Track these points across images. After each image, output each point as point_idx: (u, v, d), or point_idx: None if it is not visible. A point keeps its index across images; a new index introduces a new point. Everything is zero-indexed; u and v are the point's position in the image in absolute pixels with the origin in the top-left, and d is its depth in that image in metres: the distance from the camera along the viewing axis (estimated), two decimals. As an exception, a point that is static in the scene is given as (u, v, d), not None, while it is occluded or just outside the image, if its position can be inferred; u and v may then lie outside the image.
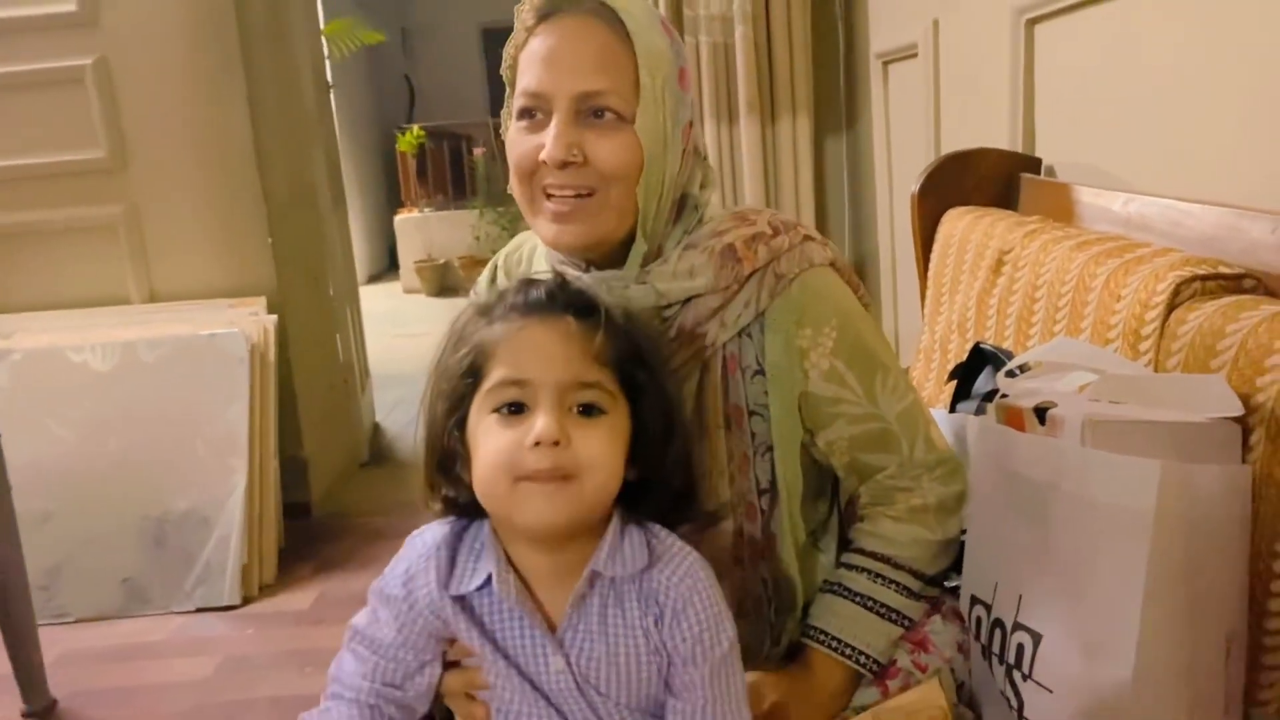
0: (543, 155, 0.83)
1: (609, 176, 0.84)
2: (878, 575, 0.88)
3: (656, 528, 0.76)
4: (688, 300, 0.88)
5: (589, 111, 0.83)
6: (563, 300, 0.74)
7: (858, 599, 0.88)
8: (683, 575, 0.73)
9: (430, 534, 0.78)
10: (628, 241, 0.88)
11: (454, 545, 0.76)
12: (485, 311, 0.76)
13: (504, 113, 0.90)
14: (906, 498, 0.90)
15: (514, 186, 0.88)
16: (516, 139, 0.86)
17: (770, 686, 0.85)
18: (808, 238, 0.91)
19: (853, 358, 0.89)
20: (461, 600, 0.75)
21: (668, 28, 0.88)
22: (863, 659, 0.86)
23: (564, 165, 0.83)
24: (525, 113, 0.85)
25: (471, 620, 0.75)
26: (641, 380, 0.74)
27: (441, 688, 0.79)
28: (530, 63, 0.84)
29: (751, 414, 0.90)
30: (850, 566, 0.90)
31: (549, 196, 0.86)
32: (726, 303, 0.88)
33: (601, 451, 0.70)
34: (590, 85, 0.83)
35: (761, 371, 0.89)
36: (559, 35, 0.84)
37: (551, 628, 0.74)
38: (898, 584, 0.89)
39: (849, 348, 0.89)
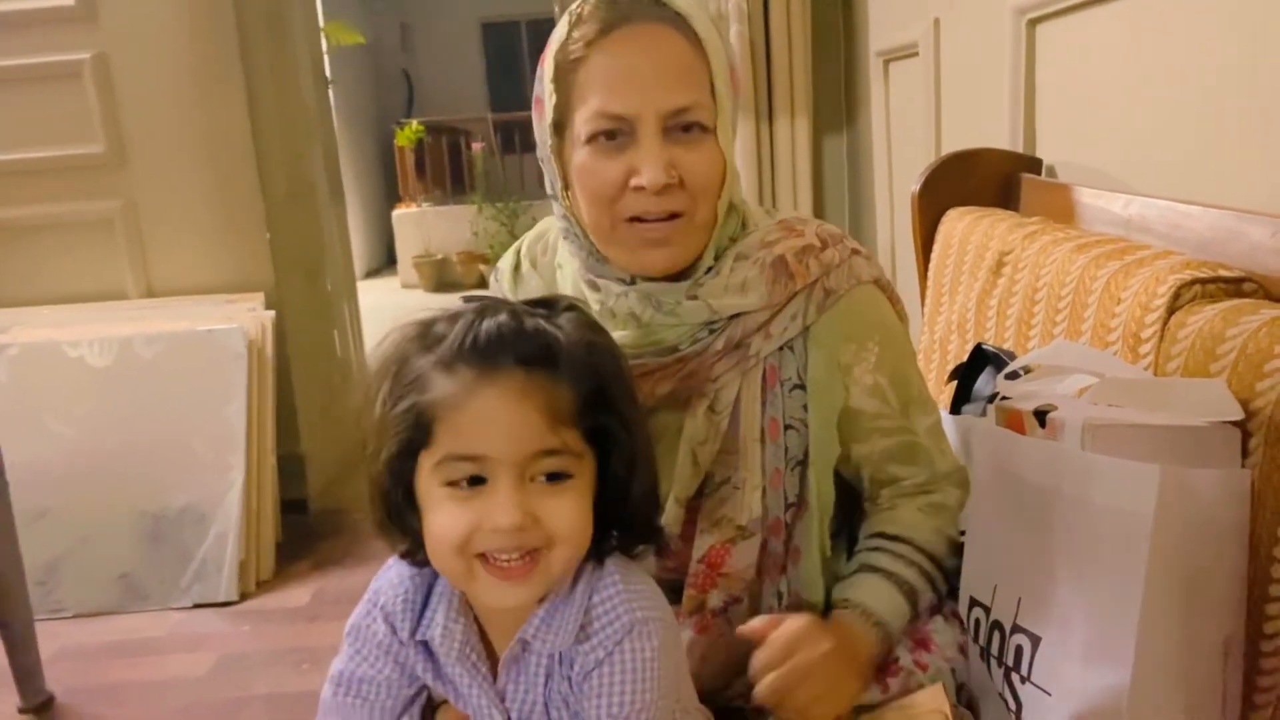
0: (639, 181, 0.78)
1: (700, 193, 0.81)
2: (899, 555, 0.89)
3: (609, 581, 0.70)
4: (736, 314, 0.86)
5: (677, 127, 0.80)
6: (515, 350, 0.64)
7: (881, 573, 0.88)
8: (602, 639, 0.68)
9: (397, 571, 0.74)
10: (700, 255, 0.86)
11: (428, 581, 0.73)
12: (427, 344, 0.66)
13: (544, 127, 0.84)
14: (928, 496, 0.92)
15: (588, 213, 0.83)
16: (594, 165, 0.80)
17: (824, 632, 0.81)
18: (855, 252, 0.90)
19: (894, 374, 0.90)
20: (425, 646, 0.73)
21: (717, 24, 0.86)
22: (885, 632, 0.86)
23: (664, 189, 0.79)
24: (603, 135, 0.80)
25: (433, 664, 0.73)
26: (608, 424, 0.67)
27: None
28: (602, 82, 0.79)
29: (787, 428, 0.89)
30: (873, 548, 0.91)
31: (636, 221, 0.81)
32: (774, 316, 0.87)
33: (571, 521, 0.65)
34: (680, 101, 0.79)
35: (801, 386, 0.88)
36: (635, 48, 0.78)
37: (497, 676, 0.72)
38: (919, 566, 0.89)
39: (891, 365, 0.89)
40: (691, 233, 0.83)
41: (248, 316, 2.53)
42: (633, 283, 0.86)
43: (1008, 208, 1.50)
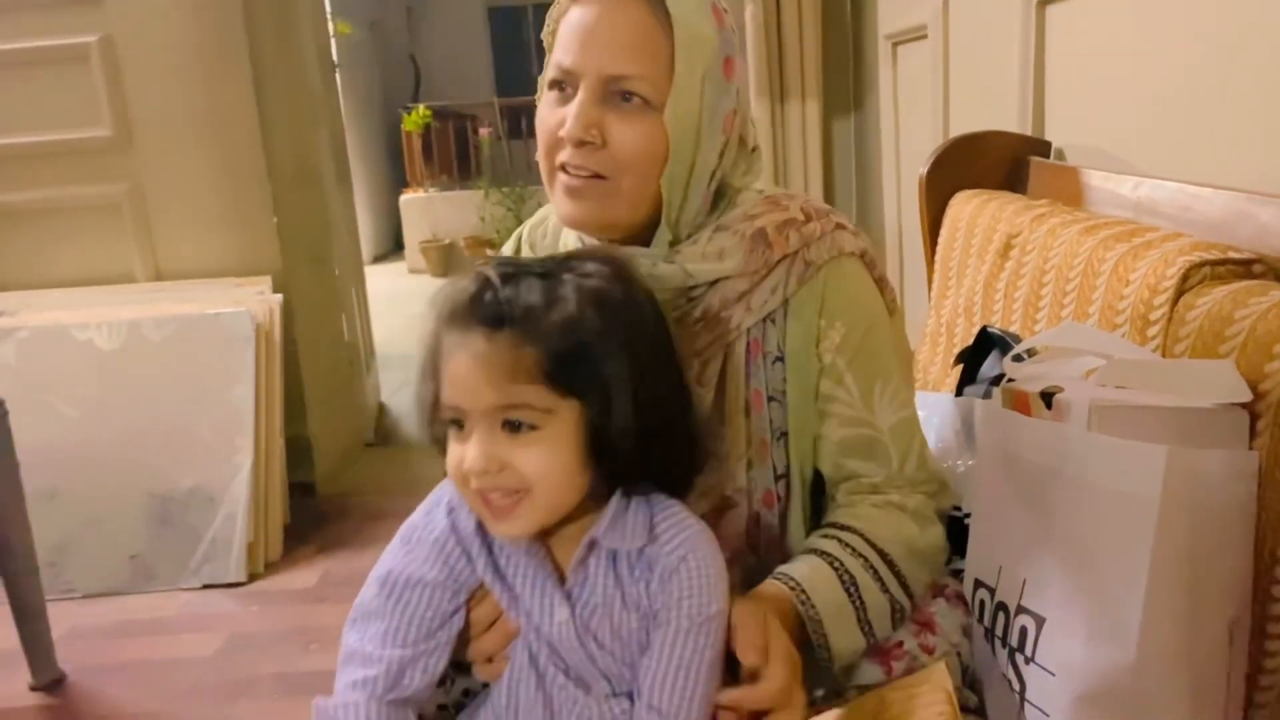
0: (561, 131, 0.82)
1: (624, 163, 0.82)
2: (846, 545, 0.85)
3: (665, 502, 0.75)
4: (715, 282, 0.86)
5: (616, 94, 0.81)
6: (478, 315, 0.69)
7: (820, 554, 0.84)
8: (678, 544, 0.73)
9: None
10: (650, 225, 0.86)
11: None
12: (440, 305, 0.73)
13: (541, 79, 0.88)
14: (885, 496, 0.89)
15: (540, 157, 0.87)
16: (544, 111, 0.85)
17: (765, 606, 0.79)
18: (840, 225, 0.89)
19: (855, 359, 0.88)
20: (489, 544, 0.77)
21: (719, 13, 0.85)
22: (812, 611, 0.80)
23: (581, 144, 0.81)
24: (555, 84, 0.84)
25: (492, 563, 0.76)
26: (585, 384, 0.69)
27: (472, 646, 0.78)
28: (567, 34, 0.83)
29: (771, 400, 0.89)
30: (822, 535, 0.87)
31: (566, 171, 0.84)
32: (754, 287, 0.87)
33: (541, 465, 0.70)
34: (619, 69, 0.81)
35: (781, 358, 0.88)
36: (598, 11, 0.82)
37: (563, 580, 0.75)
38: (865, 559, 0.84)
39: (854, 348, 0.87)
40: (609, 197, 0.84)
41: (255, 300, 2.54)
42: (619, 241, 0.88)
43: (1016, 190, 1.49)
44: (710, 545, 0.74)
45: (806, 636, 0.80)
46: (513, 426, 0.69)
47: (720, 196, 0.90)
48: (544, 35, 0.87)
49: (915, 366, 1.59)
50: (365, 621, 0.77)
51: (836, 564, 0.83)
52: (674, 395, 0.76)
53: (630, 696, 0.75)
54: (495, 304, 0.69)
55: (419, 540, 0.78)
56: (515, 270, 0.72)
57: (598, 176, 0.83)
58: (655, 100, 0.81)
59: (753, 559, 0.90)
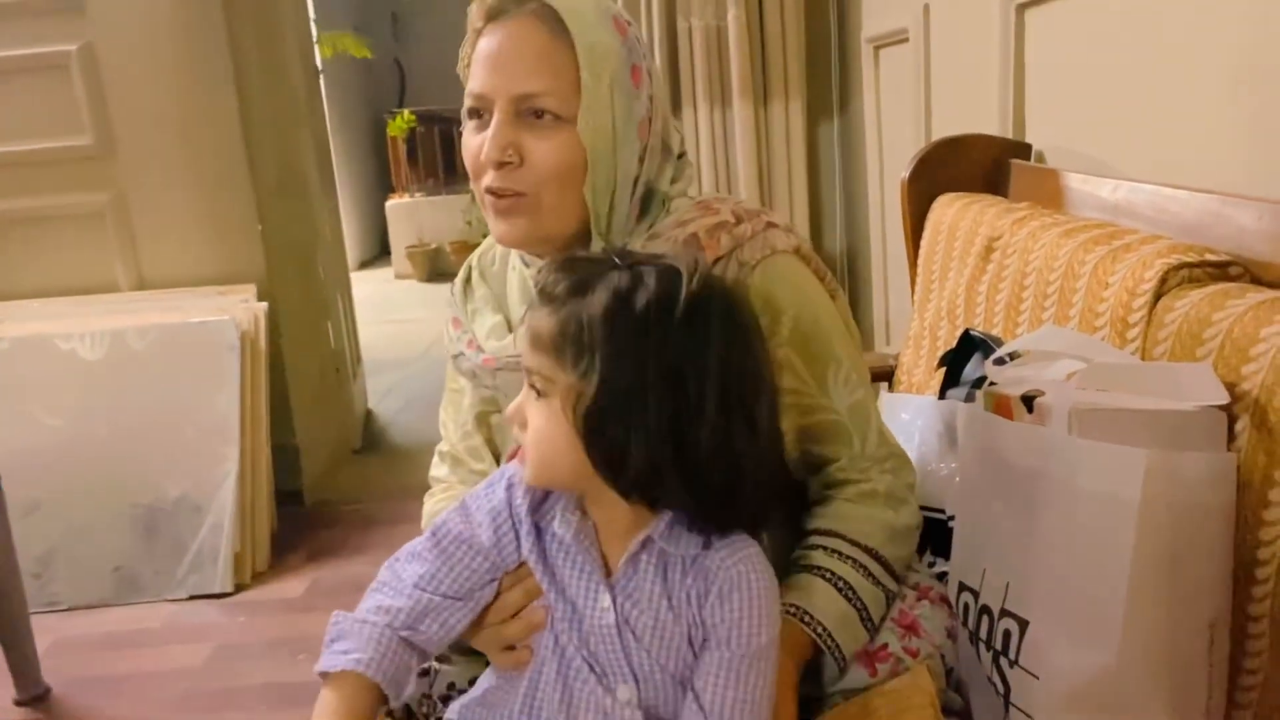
0: (480, 156, 0.86)
1: (543, 178, 0.85)
2: (832, 551, 0.87)
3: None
4: None
5: (528, 112, 0.85)
6: None
7: (814, 570, 0.86)
8: (738, 560, 0.74)
9: None
10: (582, 237, 0.89)
11: None
12: None
13: (463, 112, 0.91)
14: (856, 485, 0.91)
15: (471, 183, 0.90)
16: (466, 138, 0.89)
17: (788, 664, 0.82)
18: (770, 224, 0.92)
19: (806, 348, 0.90)
20: (538, 529, 0.78)
21: (621, 25, 0.88)
22: (819, 628, 0.83)
23: (500, 165, 0.85)
24: (472, 113, 0.88)
25: (539, 548, 0.78)
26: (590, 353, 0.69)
27: (492, 633, 0.80)
28: (476, 64, 0.87)
29: None
30: (806, 547, 0.89)
31: (490, 194, 0.88)
32: None
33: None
34: (526, 87, 0.84)
35: None
36: (501, 37, 0.86)
37: (609, 573, 0.76)
38: (853, 560, 0.86)
39: (803, 338, 0.89)
40: (537, 213, 0.87)
41: (240, 308, 2.53)
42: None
43: (997, 193, 1.50)
44: (766, 565, 0.75)
45: (816, 652, 0.84)
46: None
47: (651, 204, 0.92)
48: (459, 69, 0.92)
49: (899, 369, 1.59)
50: (408, 561, 0.80)
51: (828, 574, 0.86)
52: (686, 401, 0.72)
53: (649, 711, 0.75)
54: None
55: (477, 507, 0.80)
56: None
57: (519, 195, 0.86)
58: (566, 114, 0.85)
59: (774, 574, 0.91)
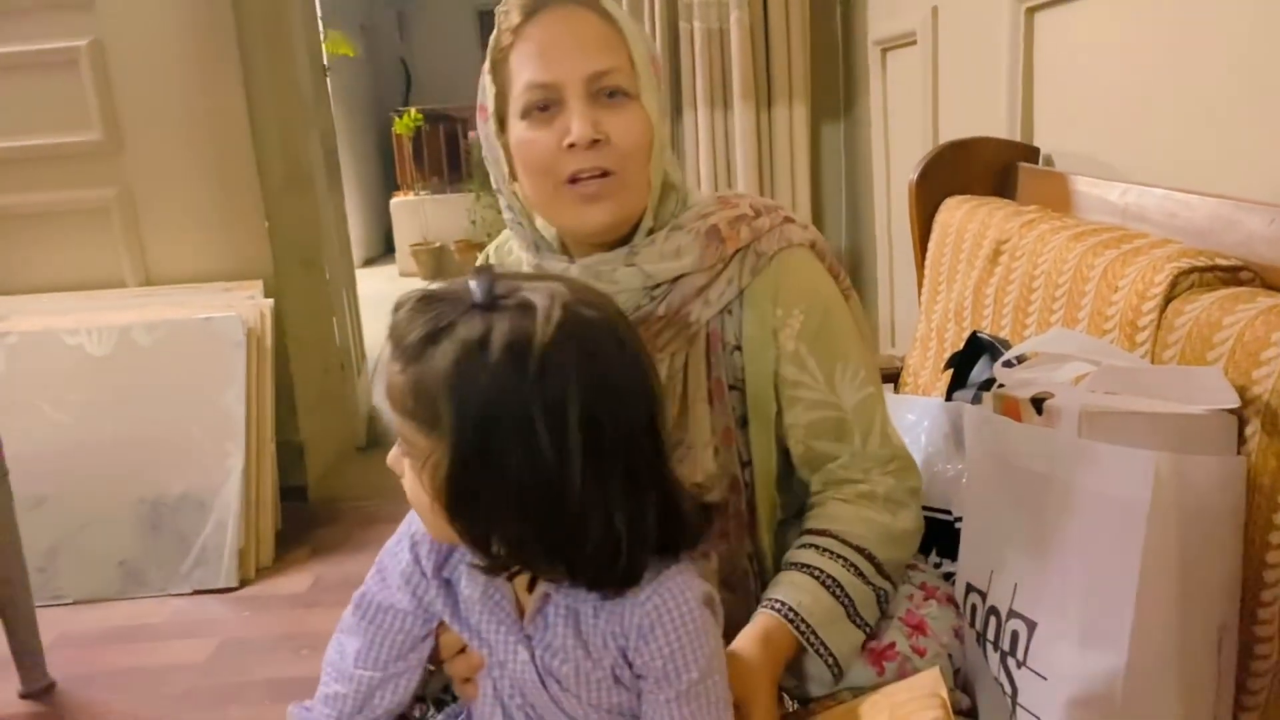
0: (570, 139, 0.84)
1: (628, 153, 0.86)
2: (824, 550, 0.87)
3: None
4: (675, 280, 0.90)
5: (601, 92, 0.85)
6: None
7: (802, 568, 0.86)
8: (650, 595, 0.69)
9: None
10: (636, 226, 0.90)
11: None
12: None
13: (488, 127, 0.90)
14: (855, 486, 0.91)
15: (530, 183, 0.88)
16: (531, 135, 0.86)
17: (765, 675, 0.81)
18: (788, 219, 0.94)
19: (815, 343, 0.91)
20: (448, 583, 0.77)
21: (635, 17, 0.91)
22: (803, 626, 0.82)
23: (593, 144, 0.84)
24: (535, 106, 0.86)
25: (451, 603, 0.77)
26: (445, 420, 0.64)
27: (446, 671, 0.81)
28: (528, 59, 0.85)
29: (731, 388, 0.92)
30: (799, 546, 0.89)
31: (572, 182, 0.86)
32: (711, 281, 0.90)
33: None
34: (598, 65, 0.85)
35: (740, 347, 0.91)
36: (555, 25, 0.85)
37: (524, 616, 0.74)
38: (844, 559, 0.86)
39: (813, 332, 0.90)
40: (624, 191, 0.87)
41: (246, 304, 2.53)
42: (572, 262, 0.91)
43: (1005, 196, 1.50)
44: (684, 588, 0.69)
45: (800, 649, 0.83)
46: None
47: (669, 196, 0.93)
48: (485, 79, 0.90)
49: (906, 370, 1.60)
50: (345, 635, 0.81)
51: (816, 572, 0.86)
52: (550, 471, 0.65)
53: None
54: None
55: (390, 569, 0.79)
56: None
57: (606, 174, 0.86)
58: (633, 91, 0.86)
59: (724, 546, 0.92)
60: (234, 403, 2.41)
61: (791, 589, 0.84)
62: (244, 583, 2.30)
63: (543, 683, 0.73)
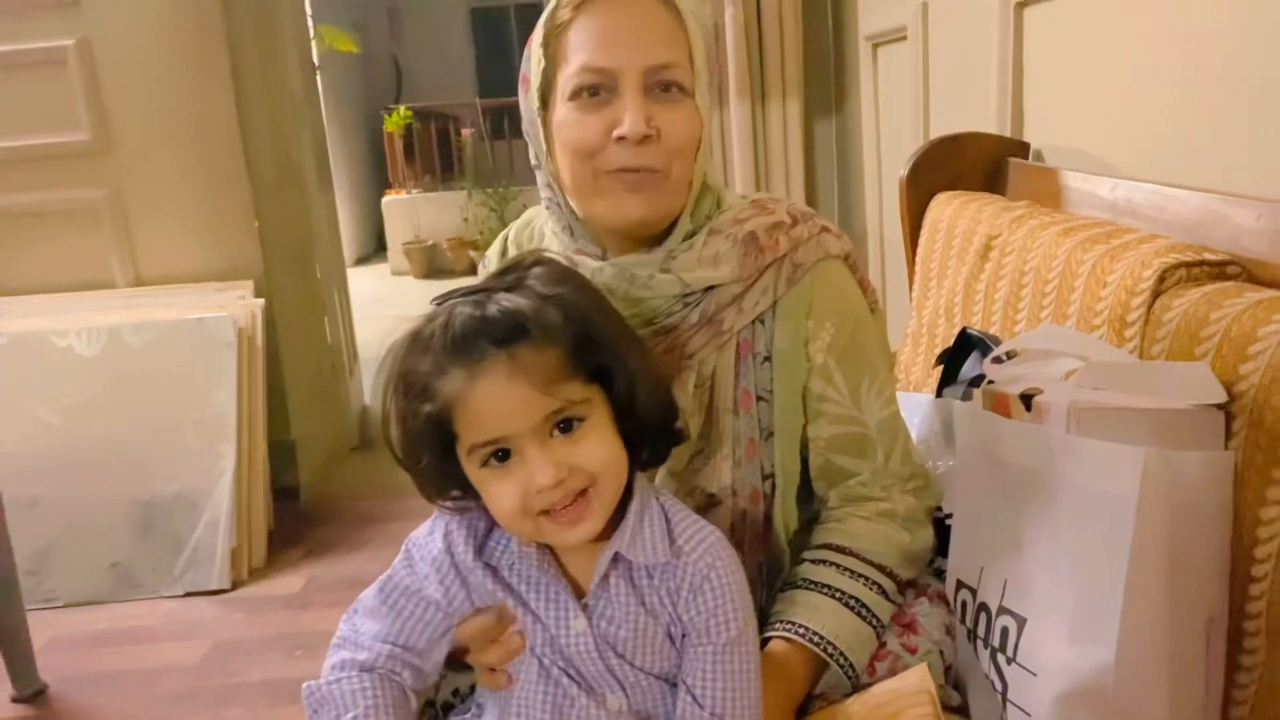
0: (620, 131, 0.81)
1: (676, 151, 0.83)
2: (845, 569, 0.87)
3: (673, 506, 0.77)
4: (710, 287, 0.88)
5: (657, 85, 0.82)
6: (489, 336, 0.69)
7: (824, 590, 0.86)
8: (703, 553, 0.74)
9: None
10: (673, 223, 0.88)
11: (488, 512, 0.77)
12: (420, 351, 0.72)
13: (530, 100, 0.87)
14: (876, 504, 0.90)
15: (567, 166, 0.85)
16: (577, 118, 0.83)
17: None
18: (825, 229, 0.91)
19: (844, 357, 0.89)
20: (494, 569, 0.77)
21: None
22: (831, 649, 0.83)
23: (643, 140, 0.81)
24: (586, 90, 0.82)
25: (501, 584, 0.77)
26: (601, 361, 0.72)
27: (475, 658, 0.80)
28: (586, 40, 0.82)
29: (759, 399, 0.90)
30: (816, 561, 0.89)
31: (621, 173, 0.83)
32: (746, 290, 0.88)
33: (601, 455, 0.72)
34: (661, 58, 0.82)
35: (770, 358, 0.90)
36: (620, 10, 0.82)
37: (579, 593, 0.76)
38: (866, 579, 0.86)
39: (842, 347, 0.89)
40: (667, 189, 0.84)
41: (237, 304, 2.52)
42: (607, 258, 0.88)
43: (995, 192, 1.50)
44: (730, 551, 0.76)
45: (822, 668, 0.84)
46: (564, 427, 0.70)
47: (704, 198, 0.91)
48: (535, 49, 0.85)
49: (897, 367, 1.60)
50: (363, 617, 0.79)
51: (839, 594, 0.86)
52: (651, 359, 0.79)
53: (639, 716, 0.76)
54: (499, 321, 0.69)
55: (420, 554, 0.79)
56: (478, 291, 0.73)
57: (652, 170, 0.83)
58: (689, 87, 0.84)
59: (737, 555, 0.91)
60: (225, 403, 2.40)
61: (817, 615, 0.84)
62: (236, 584, 2.30)
63: (599, 652, 0.75)
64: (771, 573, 0.93)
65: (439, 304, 0.73)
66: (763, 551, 0.92)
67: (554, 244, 0.94)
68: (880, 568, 0.88)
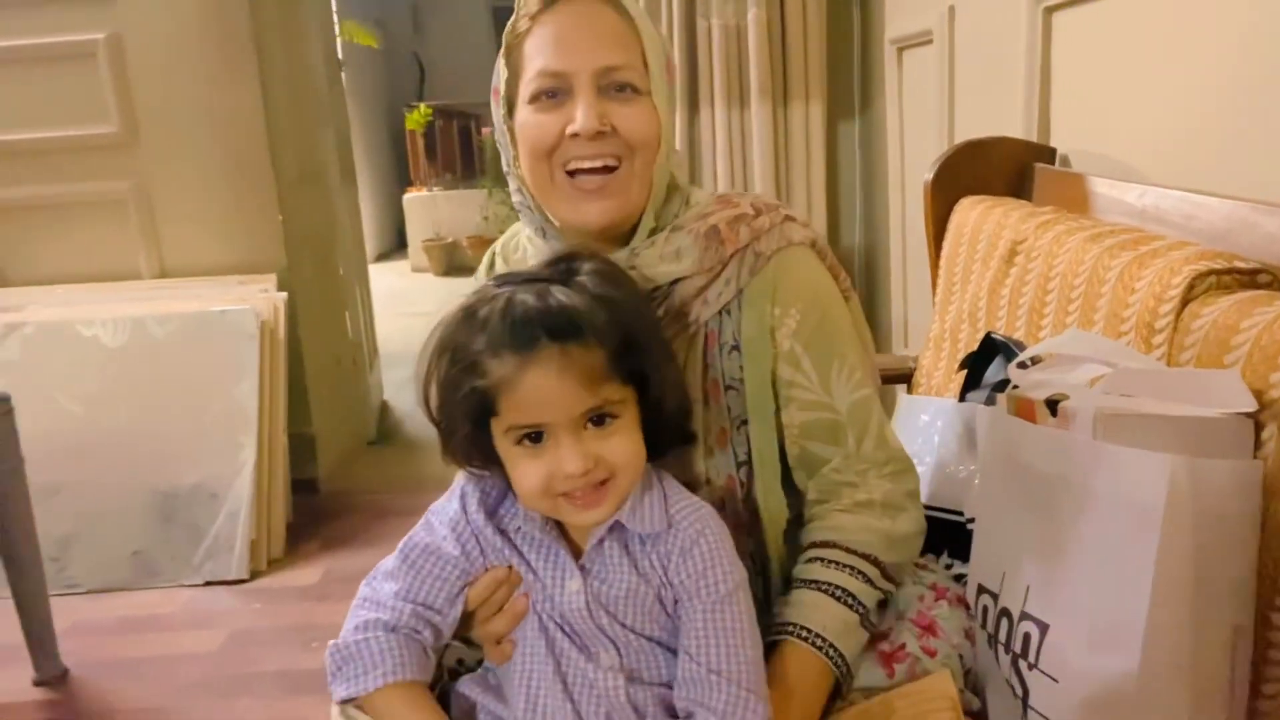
0: (574, 128, 0.85)
1: (635, 145, 0.87)
2: (830, 562, 0.87)
3: (670, 484, 0.82)
4: (675, 282, 0.90)
5: (610, 86, 0.86)
6: (547, 329, 0.72)
7: (812, 585, 0.86)
8: (693, 520, 0.79)
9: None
10: (634, 226, 0.91)
11: (503, 481, 0.82)
12: (473, 329, 0.75)
13: (498, 109, 0.91)
14: (852, 493, 0.90)
15: (529, 167, 0.89)
16: (534, 120, 0.88)
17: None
18: (788, 218, 0.93)
19: (811, 343, 0.90)
20: (504, 532, 0.82)
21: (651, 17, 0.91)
22: (820, 641, 0.84)
23: (596, 135, 0.85)
24: (544, 94, 0.87)
25: (509, 544, 0.82)
26: (640, 366, 0.76)
27: (482, 629, 0.83)
28: (542, 47, 0.87)
29: (728, 388, 0.92)
30: (805, 561, 0.89)
31: (572, 175, 0.87)
32: (710, 282, 0.90)
33: (626, 452, 0.76)
34: (610, 60, 0.86)
35: (737, 347, 0.91)
36: (571, 17, 0.87)
37: (577, 555, 0.81)
38: (851, 568, 0.87)
39: (810, 332, 0.90)
40: (628, 184, 0.88)
41: (260, 297, 2.54)
42: None
43: (1021, 197, 1.50)
44: (719, 523, 0.80)
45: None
46: (597, 421, 0.75)
47: (673, 197, 0.93)
48: (501, 58, 0.90)
49: (919, 371, 1.59)
50: (382, 579, 0.83)
51: (824, 585, 0.86)
52: (677, 367, 0.85)
53: (631, 674, 0.79)
54: (557, 315, 0.73)
55: (438, 521, 0.84)
56: (534, 280, 0.76)
57: (608, 168, 0.87)
58: (643, 87, 0.88)
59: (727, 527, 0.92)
60: (247, 395, 2.42)
61: (806, 610, 0.85)
62: (255, 574, 2.32)
63: (590, 610, 0.79)
64: (766, 568, 0.93)
65: (497, 285, 0.77)
66: (750, 541, 0.92)
67: (530, 249, 0.98)
68: (865, 556, 0.88)
